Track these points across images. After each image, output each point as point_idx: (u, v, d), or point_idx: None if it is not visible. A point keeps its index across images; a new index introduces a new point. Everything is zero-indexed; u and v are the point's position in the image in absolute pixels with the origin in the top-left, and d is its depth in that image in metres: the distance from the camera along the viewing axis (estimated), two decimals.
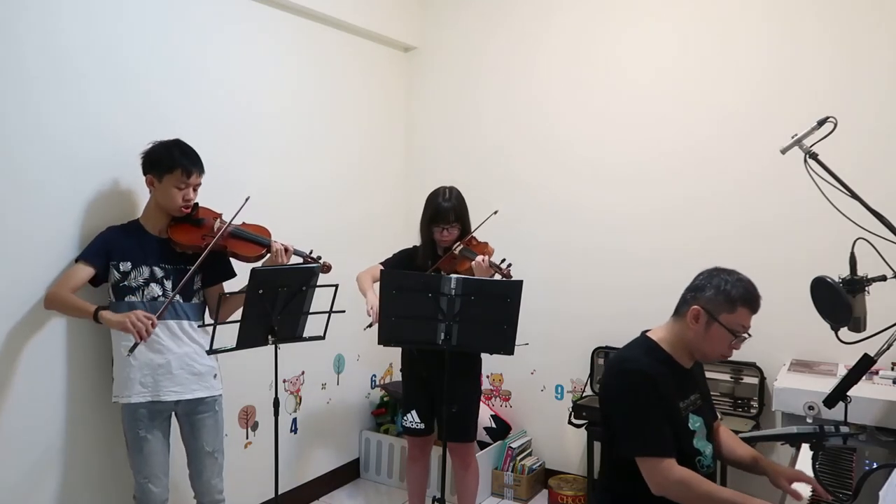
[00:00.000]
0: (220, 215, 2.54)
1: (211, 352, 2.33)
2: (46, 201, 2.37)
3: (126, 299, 2.37)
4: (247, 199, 2.45)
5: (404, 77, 4.20)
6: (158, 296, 2.40)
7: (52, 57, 2.38)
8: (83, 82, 2.47)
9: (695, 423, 1.91)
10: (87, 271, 2.33)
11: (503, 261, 2.72)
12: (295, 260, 2.60)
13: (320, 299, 2.53)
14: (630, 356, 1.92)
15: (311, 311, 2.53)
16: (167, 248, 2.44)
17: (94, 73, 2.51)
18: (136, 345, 2.23)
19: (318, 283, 2.51)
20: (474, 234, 2.89)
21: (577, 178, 3.69)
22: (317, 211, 3.54)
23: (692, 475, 1.78)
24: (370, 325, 2.69)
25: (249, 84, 3.16)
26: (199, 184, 2.46)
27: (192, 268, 2.37)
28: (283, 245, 2.53)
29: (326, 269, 2.59)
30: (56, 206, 2.40)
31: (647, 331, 2.02)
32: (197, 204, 2.50)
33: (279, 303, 2.38)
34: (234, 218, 2.47)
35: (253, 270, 2.30)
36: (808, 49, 3.10)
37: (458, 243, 2.83)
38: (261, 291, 2.30)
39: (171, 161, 2.37)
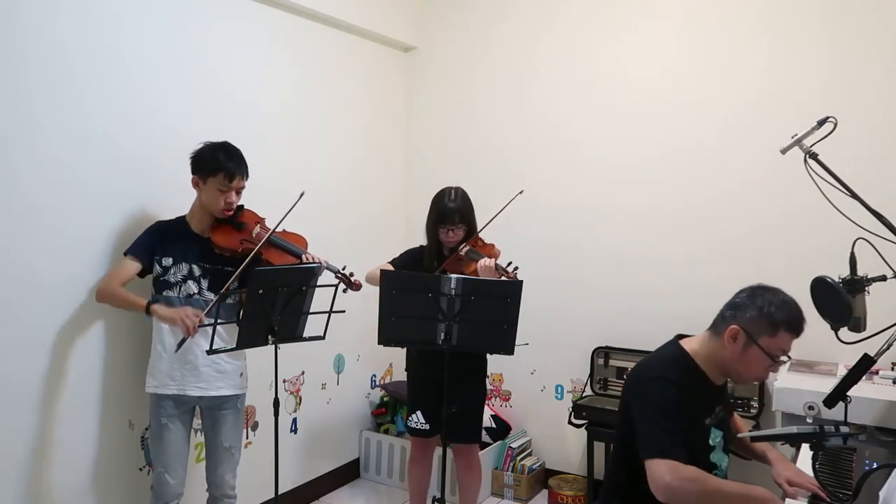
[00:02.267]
0: (262, 220, 2.58)
1: (211, 352, 2.33)
2: (84, 199, 2.43)
3: (164, 294, 2.44)
4: (290, 209, 2.45)
5: (404, 77, 4.20)
6: (194, 293, 2.45)
7: (51, 59, 2.38)
8: (82, 85, 2.48)
9: (715, 437, 1.88)
10: (134, 266, 2.43)
11: (509, 263, 2.69)
12: (327, 274, 2.59)
13: (320, 299, 2.53)
14: (660, 366, 1.87)
15: (311, 311, 2.53)
16: (207, 247, 2.49)
17: (93, 75, 2.51)
18: (183, 340, 2.32)
19: (319, 284, 2.51)
20: (481, 236, 2.88)
21: (577, 178, 3.69)
22: (317, 211, 3.51)
23: (698, 473, 1.73)
24: None
25: (249, 84, 3.16)
26: (243, 187, 2.51)
27: (234, 276, 2.39)
28: (316, 259, 2.55)
29: (357, 287, 2.59)
30: (54, 212, 2.41)
31: (681, 336, 1.96)
32: (242, 206, 2.55)
33: (279, 303, 2.38)
34: (276, 227, 2.49)
35: (253, 270, 2.30)
36: (809, 49, 3.11)
37: (463, 244, 2.82)
38: (261, 291, 2.31)
39: (215, 164, 2.42)
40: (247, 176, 2.51)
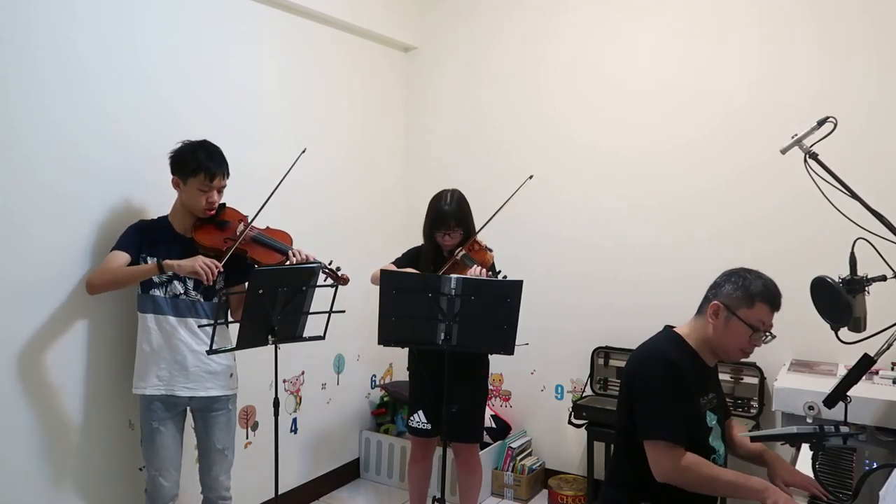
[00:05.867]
0: (245, 218, 2.56)
1: (211, 352, 2.33)
2: (56, 201, 2.40)
3: (150, 293, 2.42)
4: (265, 203, 2.48)
5: (404, 77, 4.20)
6: (180, 293, 2.43)
7: (63, 58, 2.39)
8: (93, 83, 2.49)
9: (711, 420, 1.92)
10: (124, 257, 2.38)
11: (499, 272, 2.71)
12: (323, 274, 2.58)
13: (320, 299, 2.53)
14: (658, 347, 1.95)
15: (311, 311, 2.53)
16: (191, 247, 2.46)
17: (103, 73, 2.53)
18: (202, 285, 2.36)
19: (319, 283, 2.51)
20: (478, 239, 2.87)
21: (576, 178, 3.69)
22: (317, 210, 3.53)
23: (698, 459, 1.80)
24: None
25: (252, 84, 3.17)
26: (224, 186, 2.48)
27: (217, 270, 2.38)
28: (302, 254, 2.54)
29: (344, 281, 2.59)
30: (66, 207, 2.43)
31: (671, 326, 2.03)
32: (224, 205, 2.53)
33: (279, 303, 2.38)
34: (252, 220, 2.49)
35: (253, 270, 2.30)
36: (808, 47, 3.10)
37: (460, 248, 2.82)
38: (261, 291, 2.31)
39: (195, 164, 2.39)
40: (228, 174, 2.47)
